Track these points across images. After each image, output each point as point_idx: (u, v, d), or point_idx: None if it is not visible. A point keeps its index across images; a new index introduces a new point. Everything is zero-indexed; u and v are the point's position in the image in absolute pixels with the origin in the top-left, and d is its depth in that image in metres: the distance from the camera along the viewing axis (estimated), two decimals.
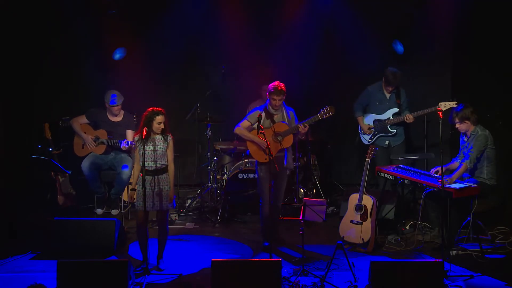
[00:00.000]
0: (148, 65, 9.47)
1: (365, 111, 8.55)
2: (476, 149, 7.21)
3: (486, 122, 7.50)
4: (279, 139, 7.12)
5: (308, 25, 9.46)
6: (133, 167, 7.08)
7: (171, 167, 6.69)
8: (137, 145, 6.60)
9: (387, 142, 8.44)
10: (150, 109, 6.62)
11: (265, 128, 7.00)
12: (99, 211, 8.38)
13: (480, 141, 7.22)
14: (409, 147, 8.86)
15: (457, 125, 7.36)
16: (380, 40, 9.37)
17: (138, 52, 9.36)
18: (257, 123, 6.89)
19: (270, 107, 7.19)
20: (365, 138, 8.52)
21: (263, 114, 7.14)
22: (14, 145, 8.85)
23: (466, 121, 7.29)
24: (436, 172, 7.35)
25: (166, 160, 6.64)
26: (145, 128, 6.50)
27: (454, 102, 7.69)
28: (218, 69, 9.24)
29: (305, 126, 7.08)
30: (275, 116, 7.20)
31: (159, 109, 6.60)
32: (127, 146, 8.03)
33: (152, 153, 6.56)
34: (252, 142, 7.19)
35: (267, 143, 6.69)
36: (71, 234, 7.10)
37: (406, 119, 8.18)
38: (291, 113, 7.29)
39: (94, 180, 8.30)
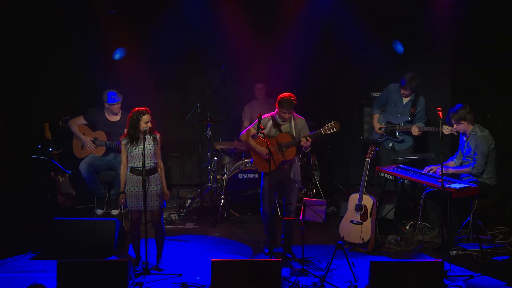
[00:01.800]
0: (148, 65, 9.46)
1: (383, 110, 8.52)
2: (482, 156, 7.20)
3: (486, 122, 7.50)
4: (282, 150, 6.88)
5: (308, 25, 9.44)
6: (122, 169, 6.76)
7: (161, 165, 6.68)
8: (126, 147, 6.54)
9: (391, 145, 8.43)
10: (135, 109, 6.56)
11: (269, 137, 6.77)
12: (99, 211, 8.39)
13: (483, 145, 7.20)
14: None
15: (454, 126, 7.37)
16: (380, 40, 9.37)
17: (138, 52, 9.35)
18: (257, 125, 6.73)
19: (278, 117, 6.89)
20: (375, 137, 8.54)
21: (270, 123, 6.89)
22: (14, 145, 8.84)
23: (462, 122, 7.30)
24: (430, 170, 7.38)
25: (156, 158, 6.63)
26: (146, 129, 6.48)
27: (454, 129, 7.50)
28: (218, 69, 9.23)
29: (307, 140, 6.76)
30: (283, 126, 6.91)
31: (144, 108, 6.55)
32: None
33: (144, 153, 6.50)
34: (255, 151, 7.02)
35: (267, 143, 6.54)
36: (71, 234, 7.10)
37: (412, 131, 8.15)
38: (301, 122, 6.95)
39: (92, 182, 8.31)
